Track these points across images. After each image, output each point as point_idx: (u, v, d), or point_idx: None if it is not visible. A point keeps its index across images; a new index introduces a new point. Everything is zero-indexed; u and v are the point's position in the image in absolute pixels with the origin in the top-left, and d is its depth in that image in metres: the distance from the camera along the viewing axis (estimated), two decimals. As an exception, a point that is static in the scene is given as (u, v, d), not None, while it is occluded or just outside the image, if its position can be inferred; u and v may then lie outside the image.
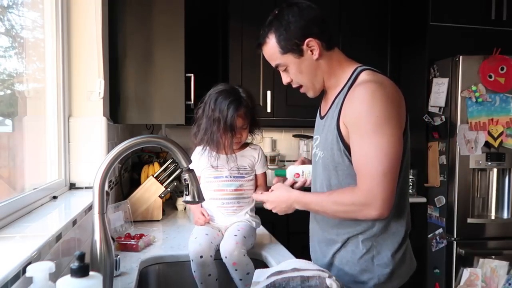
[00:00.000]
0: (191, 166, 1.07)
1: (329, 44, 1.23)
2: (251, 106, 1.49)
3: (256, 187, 1.59)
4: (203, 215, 1.51)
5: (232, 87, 1.51)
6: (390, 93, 1.14)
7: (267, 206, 1.35)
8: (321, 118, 1.31)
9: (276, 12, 1.24)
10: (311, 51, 1.21)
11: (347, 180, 1.19)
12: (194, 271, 1.35)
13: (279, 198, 1.31)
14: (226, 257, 1.35)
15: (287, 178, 1.43)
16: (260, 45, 1.27)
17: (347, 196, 1.16)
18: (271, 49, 1.24)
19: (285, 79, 1.29)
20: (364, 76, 1.20)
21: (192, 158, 1.57)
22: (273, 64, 1.28)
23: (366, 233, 1.20)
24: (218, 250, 1.42)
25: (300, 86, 1.29)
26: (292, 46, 1.21)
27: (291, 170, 1.42)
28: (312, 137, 1.47)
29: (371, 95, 1.12)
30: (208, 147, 1.50)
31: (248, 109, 1.47)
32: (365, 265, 1.21)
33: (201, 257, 1.33)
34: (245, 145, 1.58)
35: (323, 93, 1.33)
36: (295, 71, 1.25)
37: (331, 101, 1.25)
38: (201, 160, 1.54)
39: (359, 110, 1.12)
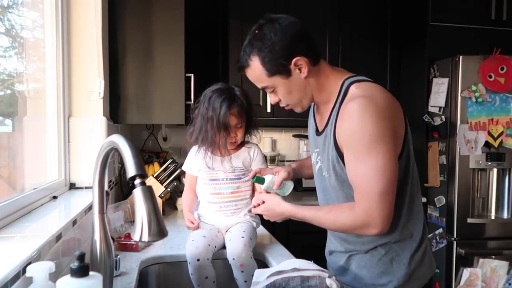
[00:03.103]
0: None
1: (316, 58, 1.17)
2: (245, 105, 1.45)
3: (253, 189, 1.55)
4: (192, 222, 1.48)
5: (227, 86, 1.48)
6: (381, 107, 1.08)
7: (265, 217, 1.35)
8: (318, 134, 1.26)
9: (256, 31, 1.16)
10: (299, 69, 1.15)
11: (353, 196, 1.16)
12: (191, 274, 1.35)
13: (271, 212, 1.30)
14: (233, 259, 1.34)
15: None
16: (242, 68, 1.19)
17: (346, 216, 1.14)
18: (256, 71, 1.16)
19: (274, 99, 1.23)
20: (353, 90, 1.14)
21: (187, 158, 1.56)
22: (260, 86, 1.21)
23: (385, 238, 1.19)
24: (217, 251, 1.41)
25: (286, 105, 1.24)
26: (279, 67, 1.13)
27: (269, 183, 1.36)
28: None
29: (361, 112, 1.07)
30: (203, 147, 1.48)
31: (242, 108, 1.44)
32: (384, 267, 1.19)
33: (198, 260, 1.33)
34: (241, 144, 1.55)
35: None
36: (284, 92, 1.18)
37: (326, 118, 1.21)
38: (197, 161, 1.52)
39: (351, 129, 1.08)
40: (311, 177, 1.42)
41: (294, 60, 1.13)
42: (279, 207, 1.27)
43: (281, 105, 1.24)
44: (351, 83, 1.16)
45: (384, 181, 1.07)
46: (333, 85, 1.19)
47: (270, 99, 1.24)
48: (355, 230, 1.15)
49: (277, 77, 1.15)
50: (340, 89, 1.17)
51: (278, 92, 1.20)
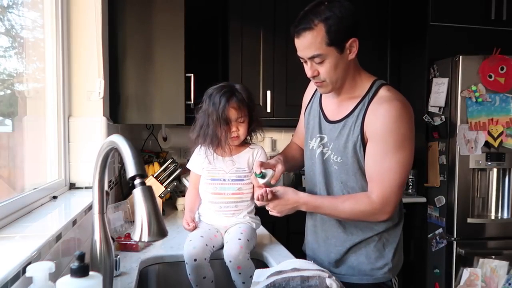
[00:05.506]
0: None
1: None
2: (245, 99, 1.45)
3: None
4: (188, 224, 1.48)
5: (228, 83, 1.49)
6: (410, 113, 1.25)
7: (271, 209, 1.34)
8: (330, 122, 1.36)
9: (327, 3, 1.22)
10: (349, 50, 1.24)
11: (363, 183, 1.30)
12: (189, 274, 1.34)
13: (286, 202, 1.32)
14: (230, 261, 1.34)
15: (264, 177, 1.37)
16: (304, 29, 1.21)
17: (363, 204, 1.26)
18: (317, 37, 1.20)
19: (312, 72, 1.27)
20: (385, 92, 1.27)
21: (192, 156, 1.56)
22: (311, 53, 1.23)
23: (382, 226, 1.33)
24: (216, 251, 1.41)
25: (321, 81, 1.28)
26: (339, 40, 1.21)
27: (269, 177, 1.37)
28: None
29: (398, 114, 1.22)
30: (205, 146, 1.48)
31: (242, 102, 1.44)
32: (379, 252, 1.33)
33: (195, 260, 1.32)
34: (245, 145, 1.55)
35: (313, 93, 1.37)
36: (332, 65, 1.24)
37: (349, 110, 1.30)
38: (200, 159, 1.52)
39: (389, 127, 1.22)
40: (289, 170, 1.59)
41: (351, 40, 1.23)
42: (296, 194, 1.32)
43: (316, 80, 1.29)
44: (382, 84, 1.30)
45: (404, 175, 1.25)
46: (364, 82, 1.32)
47: (310, 71, 1.28)
48: (369, 216, 1.28)
49: (333, 49, 1.22)
50: (370, 87, 1.30)
51: (325, 64, 1.24)
